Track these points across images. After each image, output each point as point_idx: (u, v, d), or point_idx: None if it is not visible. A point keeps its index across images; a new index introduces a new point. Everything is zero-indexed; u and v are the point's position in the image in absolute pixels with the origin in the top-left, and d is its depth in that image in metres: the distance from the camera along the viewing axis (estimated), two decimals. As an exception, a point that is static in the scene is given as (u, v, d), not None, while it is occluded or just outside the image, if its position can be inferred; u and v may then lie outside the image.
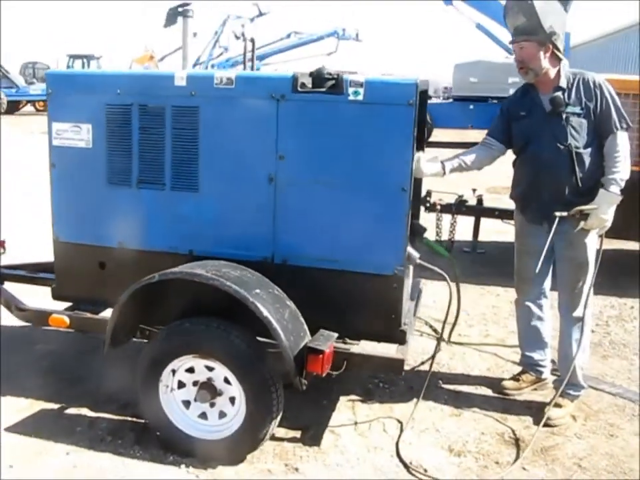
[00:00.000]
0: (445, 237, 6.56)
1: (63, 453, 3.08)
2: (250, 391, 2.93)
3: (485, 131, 3.78)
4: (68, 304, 3.62)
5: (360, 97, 2.96)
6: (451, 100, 20.43)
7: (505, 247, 6.74)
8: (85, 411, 3.44)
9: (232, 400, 3.01)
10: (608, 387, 3.89)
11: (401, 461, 3.12)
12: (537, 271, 3.47)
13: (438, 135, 20.14)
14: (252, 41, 3.45)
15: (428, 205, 6.51)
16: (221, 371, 2.98)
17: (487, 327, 4.85)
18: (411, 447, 3.24)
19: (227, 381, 2.99)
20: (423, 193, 6.40)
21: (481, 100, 17.20)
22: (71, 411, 3.46)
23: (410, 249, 3.15)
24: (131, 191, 3.32)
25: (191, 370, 3.05)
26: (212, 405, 3.05)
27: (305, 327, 3.00)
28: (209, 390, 3.01)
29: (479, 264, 6.38)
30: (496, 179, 11.48)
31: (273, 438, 3.22)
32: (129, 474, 2.94)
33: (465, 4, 16.90)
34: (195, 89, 3.14)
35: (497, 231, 7.34)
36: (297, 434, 3.31)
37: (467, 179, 12.04)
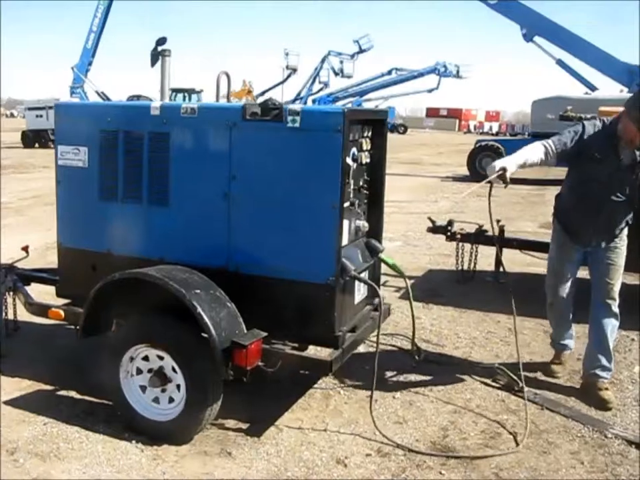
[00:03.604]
0: (465, 265, 6.76)
1: (40, 423, 3.61)
2: (189, 379, 3.34)
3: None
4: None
5: (297, 124, 3.36)
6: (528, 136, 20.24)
7: (529, 278, 6.79)
8: (73, 393, 3.98)
9: (178, 387, 3.43)
10: (563, 410, 3.97)
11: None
12: (574, 274, 4.29)
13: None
14: (227, 75, 3.92)
15: (449, 234, 6.74)
16: (168, 361, 3.41)
17: (472, 350, 5.00)
18: (333, 447, 3.52)
19: (174, 369, 3.42)
20: (442, 222, 6.69)
21: (560, 137, 16.88)
22: (62, 392, 4.01)
23: (345, 261, 3.49)
24: (117, 205, 3.87)
25: (146, 358, 3.50)
26: (163, 390, 3.49)
27: (243, 326, 3.38)
28: (159, 377, 3.45)
29: (494, 292, 6.46)
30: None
31: (222, 427, 3.63)
32: (88, 443, 3.42)
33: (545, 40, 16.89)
34: (166, 117, 3.66)
35: (528, 264, 7.38)
36: (245, 426, 3.67)
37: (524, 212, 11.86)
